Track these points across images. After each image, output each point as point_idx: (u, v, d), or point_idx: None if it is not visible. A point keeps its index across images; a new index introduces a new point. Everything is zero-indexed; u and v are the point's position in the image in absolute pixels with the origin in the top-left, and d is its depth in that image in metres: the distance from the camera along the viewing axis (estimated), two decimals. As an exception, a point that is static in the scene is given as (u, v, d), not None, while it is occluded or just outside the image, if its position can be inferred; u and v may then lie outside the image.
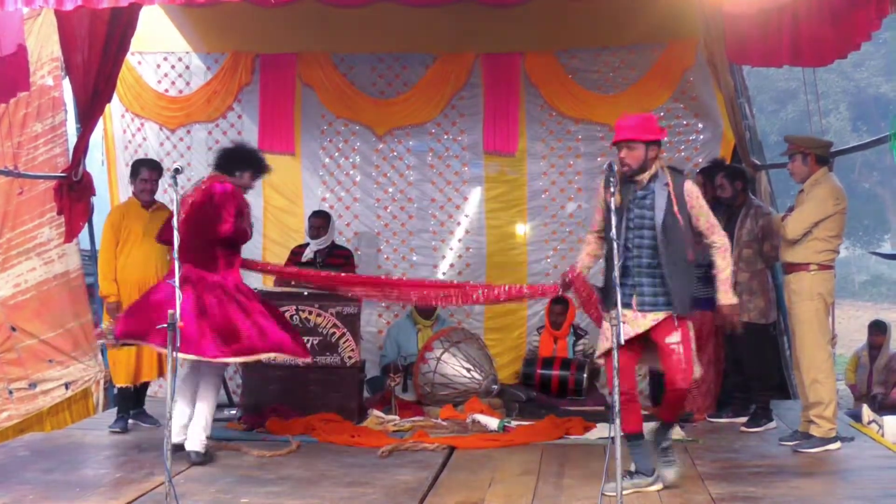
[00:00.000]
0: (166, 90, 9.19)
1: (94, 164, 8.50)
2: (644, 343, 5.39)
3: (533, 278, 9.03)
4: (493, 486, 5.56)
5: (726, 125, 8.42)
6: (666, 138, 8.69)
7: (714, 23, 7.28)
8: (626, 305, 5.24)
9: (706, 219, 5.38)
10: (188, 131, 9.23)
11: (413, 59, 9.15)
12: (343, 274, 7.44)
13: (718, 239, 5.39)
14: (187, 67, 9.21)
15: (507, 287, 6.49)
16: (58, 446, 6.70)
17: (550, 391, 8.13)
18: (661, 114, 8.86)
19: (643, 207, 5.33)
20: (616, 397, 4.70)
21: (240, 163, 6.44)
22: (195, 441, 6.10)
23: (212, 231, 6.15)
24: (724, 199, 7.37)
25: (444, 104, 9.09)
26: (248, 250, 9.09)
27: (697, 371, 5.36)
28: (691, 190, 5.38)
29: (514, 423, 7.18)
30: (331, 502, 5.25)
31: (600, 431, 6.89)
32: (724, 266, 5.43)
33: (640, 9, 7.96)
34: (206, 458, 6.09)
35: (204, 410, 6.16)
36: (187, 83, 9.22)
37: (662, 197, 5.29)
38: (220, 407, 6.51)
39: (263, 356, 6.24)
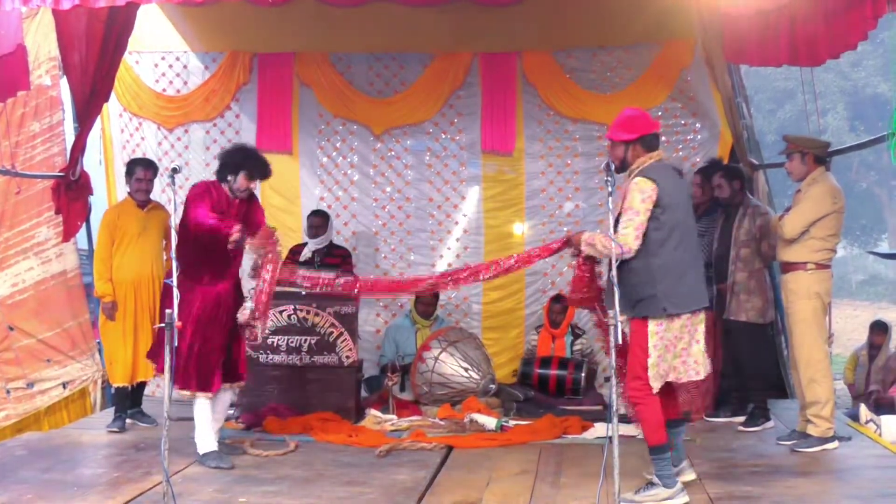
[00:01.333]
0: (164, 90, 9.18)
1: (92, 163, 8.49)
2: None
3: (530, 277, 9.04)
4: (491, 486, 5.56)
5: (724, 125, 8.43)
6: (664, 138, 8.82)
7: (711, 23, 7.29)
8: None
9: (623, 216, 5.14)
10: (186, 131, 9.21)
11: (411, 59, 9.14)
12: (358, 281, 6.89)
13: (621, 232, 5.12)
14: (185, 67, 9.20)
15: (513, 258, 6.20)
16: (55, 446, 6.70)
17: (548, 390, 8.14)
18: (659, 113, 8.86)
19: None
20: (613, 397, 4.71)
21: (229, 167, 6.20)
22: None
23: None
24: (721, 198, 7.38)
25: (441, 103, 9.08)
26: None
27: (653, 379, 5.17)
28: (627, 188, 5.20)
29: (511, 423, 7.18)
30: (328, 502, 5.26)
31: (598, 431, 6.89)
32: (604, 240, 5.12)
33: (637, 8, 7.95)
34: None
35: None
36: (185, 83, 9.21)
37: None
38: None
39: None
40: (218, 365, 6.13)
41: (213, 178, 6.30)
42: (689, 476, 5.49)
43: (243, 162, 6.19)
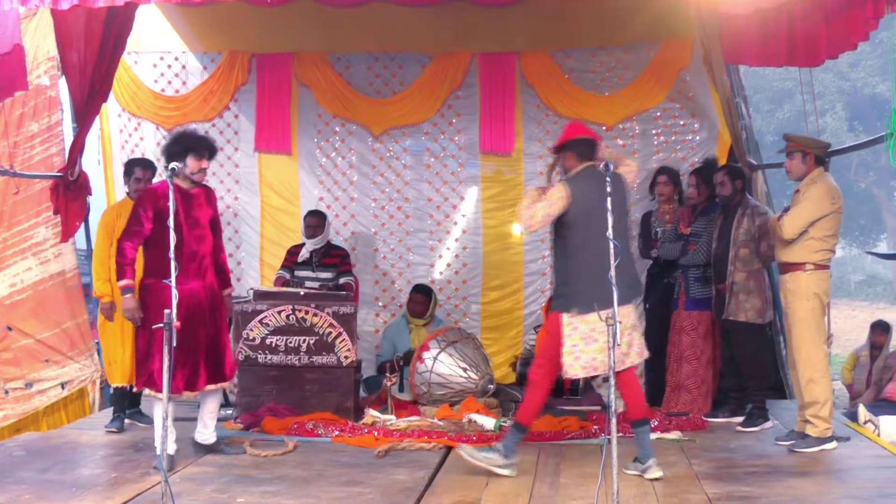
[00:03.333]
0: (163, 90, 9.18)
1: (91, 163, 8.50)
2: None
3: (529, 278, 9.05)
4: (490, 486, 5.56)
5: (723, 125, 8.42)
6: (662, 138, 8.85)
7: (710, 23, 7.28)
8: None
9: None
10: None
11: (409, 59, 9.14)
12: None
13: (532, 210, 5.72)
14: (184, 67, 9.20)
15: None
16: (54, 446, 6.69)
17: (546, 391, 8.12)
18: (658, 114, 8.88)
19: None
20: (612, 397, 4.71)
21: (174, 157, 5.96)
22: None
23: None
24: (721, 196, 7.38)
25: (440, 104, 9.08)
26: (246, 251, 9.19)
27: (572, 370, 5.69)
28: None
29: (510, 423, 7.17)
30: (327, 502, 5.25)
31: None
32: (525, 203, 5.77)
33: (635, 8, 7.96)
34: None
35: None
36: (184, 83, 9.20)
37: None
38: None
39: None
40: (186, 365, 5.95)
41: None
42: (656, 473, 5.60)
43: (185, 145, 6.05)
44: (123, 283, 6.00)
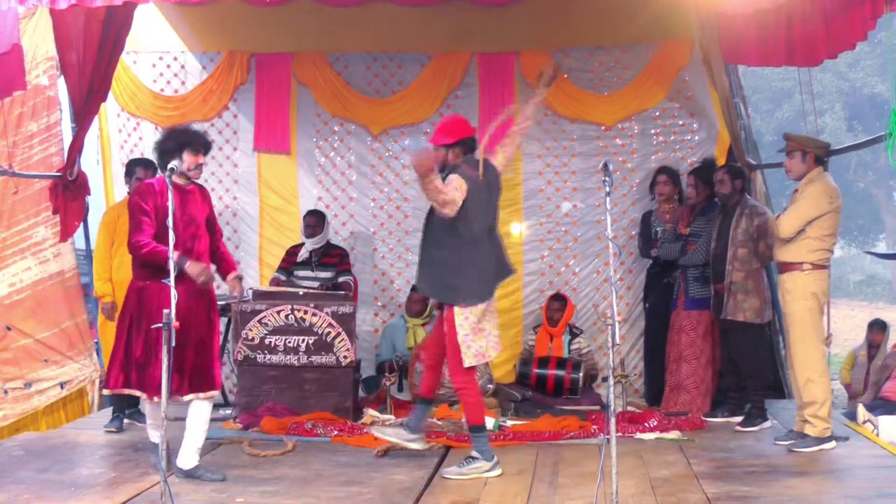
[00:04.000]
0: (162, 90, 9.18)
1: (90, 163, 8.49)
2: None
3: (528, 277, 9.04)
4: (488, 486, 5.56)
5: (721, 125, 8.42)
6: (662, 138, 8.84)
7: (709, 23, 7.28)
8: None
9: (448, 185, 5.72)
10: (184, 131, 9.21)
11: (408, 59, 9.14)
12: None
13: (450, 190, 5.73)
14: (183, 67, 9.20)
15: None
16: (53, 446, 6.69)
17: (546, 390, 8.14)
18: (657, 113, 8.88)
19: None
20: (611, 397, 4.71)
21: (170, 153, 5.66)
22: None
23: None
24: (720, 194, 7.38)
25: (439, 103, 9.07)
26: (245, 251, 9.18)
27: (467, 359, 5.76)
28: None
29: (509, 423, 7.18)
30: (326, 502, 5.26)
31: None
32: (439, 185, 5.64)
33: (634, 8, 7.95)
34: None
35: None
36: (183, 83, 9.20)
37: None
38: (215, 406, 6.45)
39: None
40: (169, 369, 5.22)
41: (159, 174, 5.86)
42: (417, 445, 6.11)
43: (181, 140, 5.73)
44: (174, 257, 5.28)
